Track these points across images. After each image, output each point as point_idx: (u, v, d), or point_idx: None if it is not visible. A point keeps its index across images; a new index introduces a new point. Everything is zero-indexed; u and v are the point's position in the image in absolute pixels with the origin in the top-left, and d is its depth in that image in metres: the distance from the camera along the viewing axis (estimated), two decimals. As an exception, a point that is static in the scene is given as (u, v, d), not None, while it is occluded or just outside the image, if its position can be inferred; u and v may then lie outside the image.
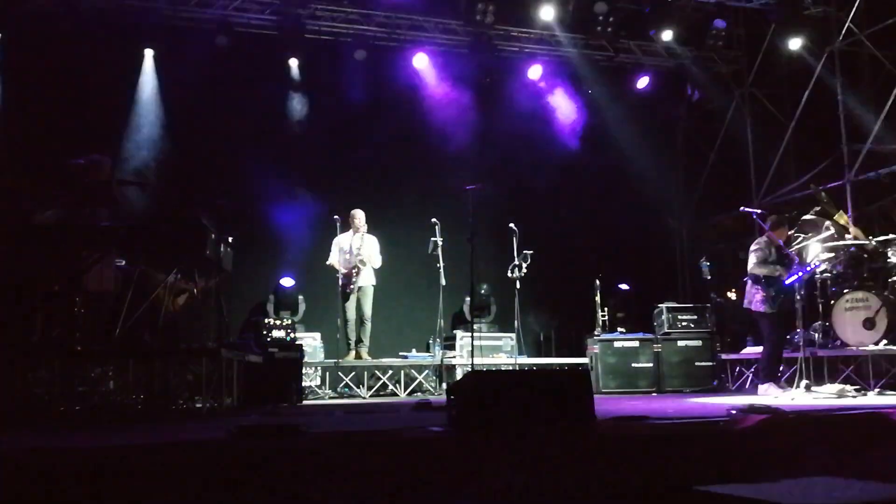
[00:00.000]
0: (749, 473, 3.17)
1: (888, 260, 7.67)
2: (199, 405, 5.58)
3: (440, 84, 10.86)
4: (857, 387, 6.94)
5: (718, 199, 11.69)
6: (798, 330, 7.20)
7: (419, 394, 8.70)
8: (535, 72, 11.31)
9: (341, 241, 9.09)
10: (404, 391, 8.75)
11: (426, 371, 8.99)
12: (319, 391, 8.52)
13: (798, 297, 6.98)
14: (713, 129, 11.81)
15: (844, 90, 9.73)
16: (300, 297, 9.98)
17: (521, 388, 3.96)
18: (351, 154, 10.39)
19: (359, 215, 9.08)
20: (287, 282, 9.92)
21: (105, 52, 9.59)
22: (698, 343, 9.12)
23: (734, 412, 4.28)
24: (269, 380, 6.58)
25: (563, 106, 11.37)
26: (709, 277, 9.54)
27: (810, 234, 8.05)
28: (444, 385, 8.54)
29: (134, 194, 7.07)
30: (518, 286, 8.99)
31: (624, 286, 10.46)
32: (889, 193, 8.85)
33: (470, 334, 8.28)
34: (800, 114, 10.35)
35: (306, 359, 7.86)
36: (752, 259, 7.46)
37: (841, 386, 6.67)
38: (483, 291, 10.21)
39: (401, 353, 9.32)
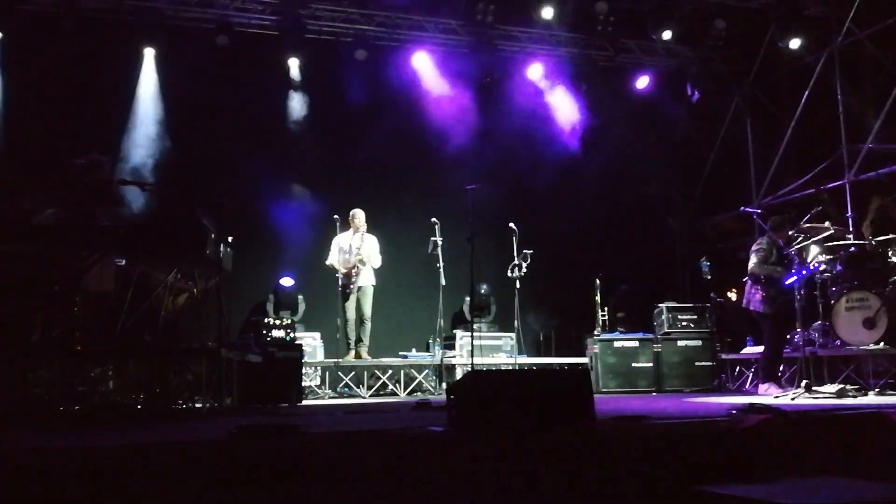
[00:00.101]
0: (749, 473, 3.17)
1: (888, 260, 7.67)
2: (199, 405, 5.58)
3: (440, 84, 10.86)
4: (857, 387, 6.94)
5: (718, 199, 11.69)
6: (798, 330, 7.20)
7: (419, 393, 8.70)
8: (535, 71, 11.31)
9: (341, 241, 9.09)
10: (404, 391, 8.75)
11: (426, 371, 8.99)
12: (319, 391, 8.52)
13: (798, 297, 6.98)
14: (713, 129, 11.81)
15: (844, 90, 9.73)
16: (300, 297, 9.98)
17: (521, 387, 3.96)
18: (351, 154, 10.40)
19: (359, 215, 9.08)
20: (287, 282, 9.92)
21: (105, 51, 9.61)
22: (698, 343, 9.12)
23: (734, 412, 4.28)
24: (269, 380, 6.57)
25: (563, 105, 11.37)
26: (709, 277, 9.54)
27: (810, 235, 8.04)
28: (444, 385, 8.54)
29: (134, 194, 7.08)
30: (518, 286, 9.00)
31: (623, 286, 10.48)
32: (889, 193, 8.84)
33: (470, 334, 8.28)
34: (800, 114, 10.34)
35: (306, 359, 7.87)
36: (753, 259, 7.46)
37: (841, 386, 6.67)
38: (483, 291, 10.21)
39: (401, 353, 9.32)
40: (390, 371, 8.89)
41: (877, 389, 7.06)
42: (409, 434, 3.63)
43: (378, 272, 9.17)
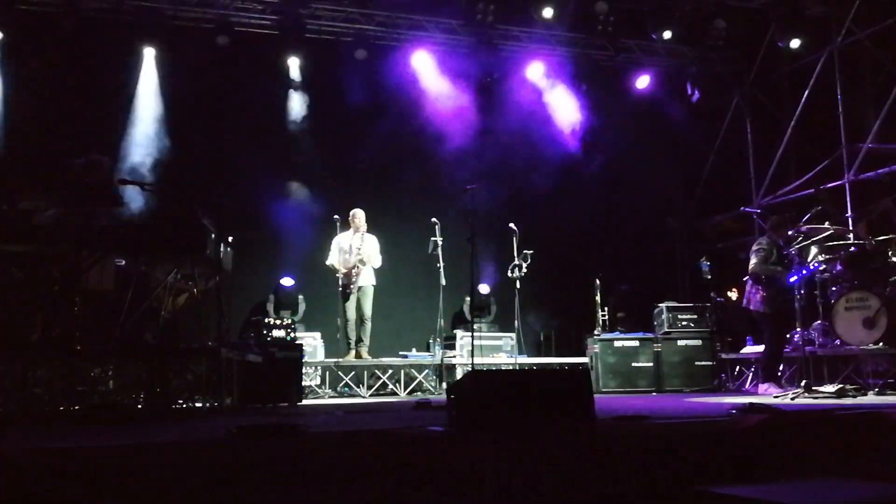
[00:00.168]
0: (749, 473, 3.17)
1: (888, 260, 7.67)
2: (199, 405, 5.58)
3: (440, 83, 10.86)
4: (857, 387, 6.94)
5: (718, 199, 11.69)
6: (798, 330, 7.20)
7: (419, 393, 8.70)
8: (535, 71, 11.31)
9: (341, 241, 9.08)
10: (404, 391, 8.75)
11: (426, 371, 8.99)
12: (319, 391, 8.52)
13: (798, 297, 6.98)
14: (713, 129, 11.81)
15: (844, 90, 9.73)
16: (300, 297, 9.98)
17: (521, 387, 3.96)
18: (351, 154, 10.40)
19: (359, 215, 9.08)
20: (287, 281, 9.92)
21: (105, 51, 9.61)
22: (698, 342, 9.12)
23: (734, 412, 4.28)
24: (269, 380, 6.57)
25: (564, 105, 11.37)
26: (709, 277, 9.54)
27: (810, 234, 8.04)
28: (444, 385, 8.54)
29: (134, 194, 7.08)
30: (518, 286, 9.00)
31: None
32: (889, 193, 8.84)
33: (470, 334, 8.28)
34: (800, 114, 10.35)
35: (306, 358, 7.86)
36: (754, 259, 7.45)
37: (840, 386, 6.67)
38: (483, 291, 10.21)
39: (401, 353, 9.32)
40: (390, 371, 8.89)
41: (876, 389, 7.06)
42: (409, 434, 3.63)
43: (378, 272, 9.17)
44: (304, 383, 7.59)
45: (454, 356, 9.02)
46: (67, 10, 9.26)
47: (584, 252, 10.85)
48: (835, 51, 9.86)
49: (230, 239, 6.36)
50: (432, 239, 8.73)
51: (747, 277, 7.62)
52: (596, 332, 9.22)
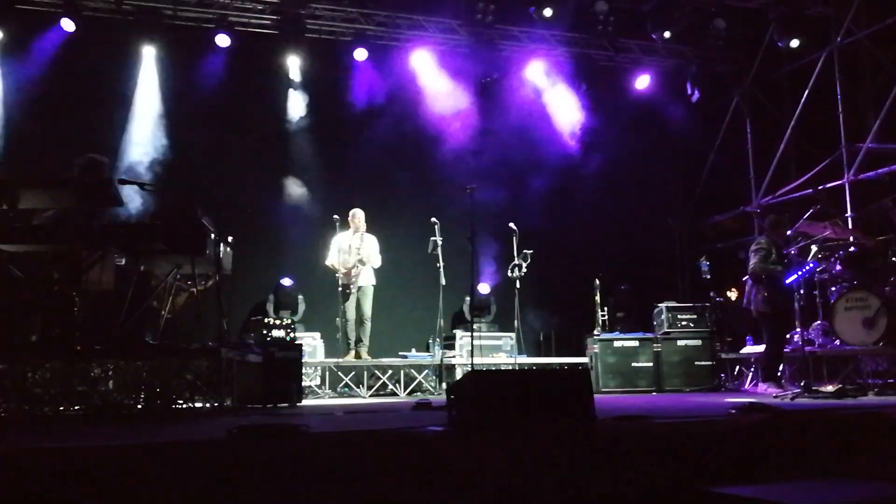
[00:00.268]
0: (749, 473, 3.17)
1: (888, 260, 7.67)
2: (199, 405, 5.58)
3: (440, 83, 10.86)
4: (857, 387, 6.94)
5: (718, 199, 11.71)
6: (798, 330, 7.20)
7: (419, 393, 8.70)
8: (534, 71, 11.31)
9: (341, 241, 9.08)
10: (404, 391, 8.75)
11: (426, 371, 8.99)
12: (319, 391, 8.52)
13: (798, 297, 6.98)
14: (713, 129, 11.82)
15: (844, 90, 9.73)
16: (300, 297, 9.98)
17: (521, 387, 3.96)
18: (351, 153, 10.40)
19: (359, 215, 9.07)
20: (287, 281, 9.93)
21: (105, 51, 9.61)
22: (698, 342, 9.11)
23: (734, 412, 4.28)
24: (269, 380, 6.56)
25: (563, 105, 11.37)
26: (708, 277, 9.54)
27: (810, 234, 8.04)
28: (444, 385, 8.53)
29: (133, 193, 7.08)
30: (518, 286, 9.00)
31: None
32: (889, 193, 8.85)
33: (470, 334, 8.28)
34: (800, 114, 10.35)
35: (306, 358, 7.86)
36: (754, 258, 7.46)
37: (840, 386, 6.67)
38: (483, 291, 10.21)
39: (400, 353, 9.32)
40: (390, 371, 8.89)
41: (876, 389, 7.06)
42: (409, 434, 3.63)
43: (378, 272, 9.17)
44: (304, 383, 7.58)
45: (454, 356, 9.02)
46: (67, 10, 9.27)
47: (584, 252, 10.85)
48: (835, 51, 9.87)
49: (230, 239, 6.36)
50: (432, 239, 8.73)
51: (747, 277, 7.62)
52: (596, 332, 9.22)
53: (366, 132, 10.27)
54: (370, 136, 10.21)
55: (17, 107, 9.27)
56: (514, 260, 9.02)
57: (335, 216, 9.06)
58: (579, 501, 2.93)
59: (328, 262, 9.09)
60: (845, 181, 9.47)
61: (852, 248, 7.88)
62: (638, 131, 11.47)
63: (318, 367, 8.65)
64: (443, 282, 8.68)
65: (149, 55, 9.86)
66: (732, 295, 9.80)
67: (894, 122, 9.07)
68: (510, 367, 8.92)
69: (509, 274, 9.09)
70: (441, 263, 8.68)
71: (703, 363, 9.06)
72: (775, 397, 6.43)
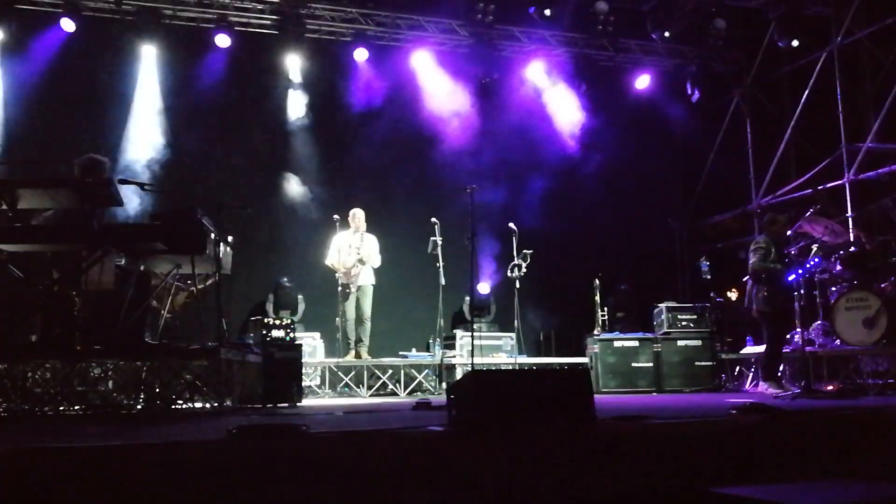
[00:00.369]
0: (749, 473, 3.17)
1: (888, 260, 7.67)
2: (199, 405, 5.58)
3: (440, 83, 10.86)
4: (857, 386, 6.94)
5: (718, 199, 11.71)
6: (798, 329, 7.19)
7: (419, 393, 8.70)
8: (535, 71, 11.31)
9: (341, 241, 9.08)
10: (404, 391, 8.75)
11: (426, 371, 8.99)
12: (319, 391, 8.52)
13: (798, 297, 6.98)
14: (713, 129, 11.82)
15: (844, 90, 9.73)
16: (300, 297, 9.98)
17: (521, 387, 3.96)
18: (351, 153, 10.40)
19: (359, 214, 9.08)
20: (287, 281, 9.92)
21: (105, 51, 9.61)
22: (698, 343, 9.11)
23: (734, 412, 4.28)
24: (269, 380, 6.56)
25: (563, 105, 11.37)
26: (708, 277, 9.54)
27: (810, 234, 8.04)
28: (444, 385, 8.54)
29: (133, 193, 7.07)
30: (518, 286, 9.00)
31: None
32: (889, 193, 8.85)
33: (470, 334, 8.27)
34: (800, 114, 10.35)
35: (306, 358, 7.86)
36: (753, 257, 7.45)
37: (841, 386, 6.67)
38: (483, 291, 10.21)
39: (401, 353, 9.32)
40: (390, 371, 8.89)
41: (876, 389, 7.06)
42: (409, 434, 3.63)
43: (378, 272, 9.17)
44: (304, 383, 7.58)
45: (454, 356, 9.02)
46: (67, 9, 9.27)
47: (583, 252, 10.85)
48: (834, 51, 9.87)
49: (230, 239, 6.36)
50: (432, 239, 8.72)
51: (748, 277, 7.62)
52: (596, 332, 9.22)
53: (366, 132, 10.27)
54: (370, 136, 10.21)
55: (17, 106, 9.27)
56: (514, 260, 9.03)
57: (335, 216, 9.06)
58: (579, 501, 2.93)
59: (328, 262, 9.09)
60: (845, 181, 9.46)
61: (852, 248, 7.88)
62: (638, 131, 11.47)
63: (318, 367, 8.65)
64: (443, 282, 8.68)
65: (148, 55, 9.85)
66: (732, 295, 9.79)
67: (894, 122, 9.07)
68: (510, 367, 8.92)
69: (509, 274, 9.09)
70: (441, 263, 8.68)
71: (703, 363, 9.05)
72: (775, 397, 6.43)
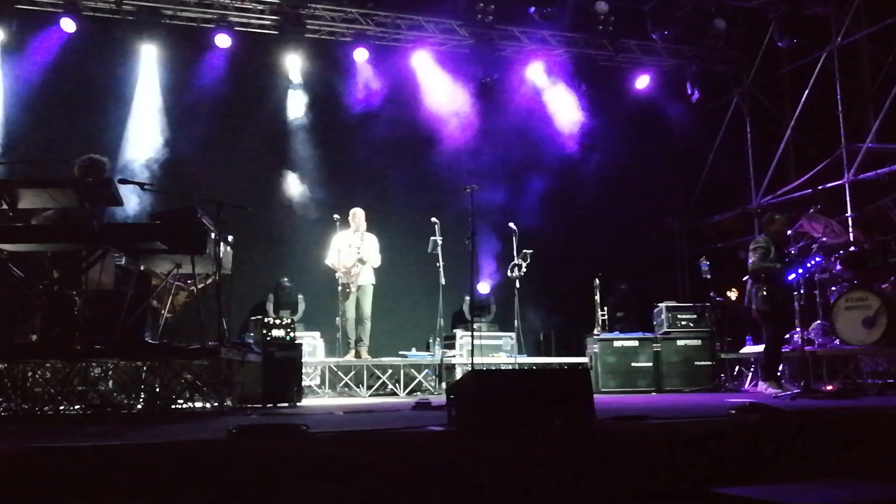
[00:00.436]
0: (749, 473, 3.17)
1: (888, 260, 7.68)
2: (199, 405, 5.58)
3: (440, 83, 10.86)
4: (857, 386, 6.94)
5: (718, 198, 11.70)
6: (798, 329, 7.20)
7: (419, 393, 8.70)
8: (534, 71, 11.31)
9: (341, 240, 9.08)
10: (404, 390, 8.75)
11: (426, 370, 8.99)
12: (319, 391, 8.52)
13: (798, 297, 6.98)
14: (713, 129, 11.82)
15: (844, 90, 9.73)
16: (300, 297, 9.98)
17: (521, 387, 3.96)
18: (351, 153, 10.40)
19: (359, 214, 9.08)
20: (287, 281, 9.92)
21: (105, 50, 9.61)
22: (698, 342, 9.11)
23: (734, 412, 4.28)
24: (269, 380, 6.56)
25: (563, 105, 11.37)
26: (708, 277, 9.54)
27: (810, 233, 8.05)
28: (444, 384, 8.54)
29: (133, 193, 7.06)
30: (518, 286, 9.00)
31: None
32: (889, 193, 8.85)
33: (470, 334, 8.28)
34: (800, 114, 10.35)
35: (306, 358, 7.86)
36: (752, 257, 7.46)
37: (841, 386, 6.67)
38: (483, 291, 10.21)
39: (400, 353, 9.32)
40: (390, 371, 8.89)
41: (876, 389, 7.06)
42: (409, 434, 3.63)
43: (378, 272, 9.17)
44: (304, 383, 7.58)
45: (454, 356, 9.02)
46: (67, 9, 9.27)
47: (583, 252, 10.85)
48: (835, 51, 9.87)
49: (230, 239, 6.36)
50: (432, 238, 8.73)
51: (748, 277, 7.62)
52: (595, 332, 9.22)
53: (366, 132, 10.27)
54: (370, 136, 10.20)
55: (17, 106, 9.26)
56: (514, 260, 9.03)
57: (335, 216, 9.06)
58: (579, 501, 2.93)
59: (328, 262, 9.09)
60: (845, 181, 9.46)
61: (852, 248, 7.88)
62: (638, 131, 11.47)
63: (318, 367, 8.65)
64: (443, 281, 8.68)
65: (149, 55, 9.84)
66: (732, 295, 9.79)
67: (894, 122, 9.07)
68: (510, 367, 8.92)
69: (509, 274, 9.09)
70: (441, 263, 8.68)
71: (702, 363, 9.06)
72: (775, 397, 6.43)
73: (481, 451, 3.15)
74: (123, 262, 5.85)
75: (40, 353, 5.24)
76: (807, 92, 10.17)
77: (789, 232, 7.77)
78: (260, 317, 7.45)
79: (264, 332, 6.93)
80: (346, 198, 9.60)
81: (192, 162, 9.58)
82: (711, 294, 9.44)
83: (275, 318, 7.33)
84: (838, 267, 7.86)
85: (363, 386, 8.63)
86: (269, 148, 10.28)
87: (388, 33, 10.66)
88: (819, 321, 8.02)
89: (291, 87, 10.46)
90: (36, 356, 5.25)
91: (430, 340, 9.48)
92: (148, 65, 9.88)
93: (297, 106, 10.50)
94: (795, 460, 3.33)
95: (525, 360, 9.35)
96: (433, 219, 8.74)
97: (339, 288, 8.93)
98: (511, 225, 9.08)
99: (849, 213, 9.32)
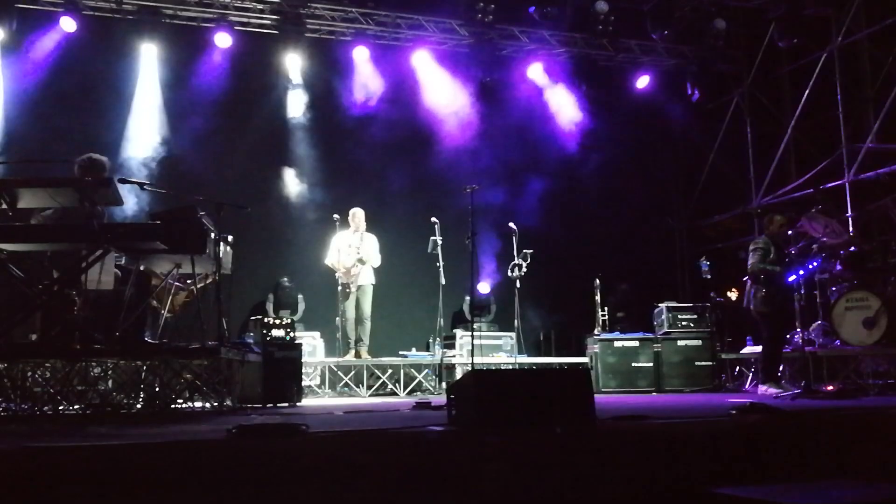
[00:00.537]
0: (749, 473, 3.17)
1: (888, 260, 7.67)
2: (199, 405, 5.58)
3: (440, 83, 10.86)
4: (857, 386, 6.94)
5: (718, 198, 11.70)
6: (798, 330, 7.20)
7: (419, 393, 8.70)
8: (535, 71, 11.31)
9: (340, 240, 9.08)
10: (404, 390, 8.75)
11: (426, 370, 8.99)
12: (319, 391, 8.52)
13: (798, 297, 6.98)
14: (713, 129, 11.82)
15: (844, 90, 9.73)
16: (300, 297, 9.98)
17: (521, 387, 3.96)
18: (351, 153, 10.39)
19: (359, 214, 9.07)
20: (287, 281, 9.92)
21: (105, 50, 9.61)
22: (698, 343, 9.11)
23: (734, 412, 4.28)
24: (269, 380, 6.56)
25: (563, 105, 11.37)
26: (708, 277, 9.54)
27: (810, 233, 8.04)
28: (444, 384, 8.54)
29: (133, 193, 7.06)
30: (518, 286, 9.00)
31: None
32: (889, 193, 8.85)
33: (470, 334, 8.27)
34: (800, 114, 10.35)
35: (306, 358, 7.86)
36: (752, 258, 7.46)
37: (841, 386, 6.67)
38: (483, 291, 10.21)
39: (400, 353, 9.32)
40: (390, 371, 8.89)
41: (877, 389, 7.06)
42: (409, 434, 3.63)
43: (378, 272, 9.17)
44: (304, 383, 7.58)
45: (454, 356, 9.02)
46: (67, 8, 9.27)
47: (583, 252, 10.84)
48: (835, 51, 9.87)
49: (230, 239, 6.36)
50: (432, 238, 8.73)
51: (747, 277, 7.62)
52: (596, 332, 9.22)
53: (366, 131, 10.27)
54: (370, 136, 10.20)
55: (17, 106, 9.26)
56: (514, 260, 9.03)
57: (335, 215, 9.06)
58: (579, 501, 2.92)
59: (328, 262, 9.08)
60: (845, 181, 9.46)
61: (852, 248, 7.88)
62: (638, 131, 11.47)
63: (318, 367, 8.65)
64: (443, 281, 8.68)
65: (149, 54, 9.84)
66: (732, 295, 9.79)
67: (894, 122, 9.07)
68: (510, 367, 8.92)
69: (509, 274, 9.09)
70: (441, 263, 8.68)
71: (703, 363, 9.06)
72: (775, 397, 6.43)
73: (481, 451, 3.15)
74: (123, 262, 5.85)
75: (40, 353, 5.24)
76: (807, 92, 10.17)
77: (790, 232, 7.76)
78: (260, 317, 7.45)
79: (264, 332, 6.93)
80: (346, 197, 9.59)
81: (192, 161, 9.58)
82: (712, 294, 9.44)
83: (275, 318, 7.33)
84: (838, 267, 7.85)
85: (363, 386, 8.63)
86: (269, 147, 10.28)
87: (388, 33, 10.66)
88: (819, 321, 8.02)
89: (291, 86, 10.46)
90: (36, 356, 5.25)
91: (430, 340, 9.47)
92: (148, 64, 9.87)
93: (297, 105, 10.50)
94: (795, 460, 3.33)
95: (525, 360, 9.35)
96: (433, 219, 8.74)
97: (339, 288, 8.93)
98: (511, 225, 9.07)
99: (849, 213, 9.32)
